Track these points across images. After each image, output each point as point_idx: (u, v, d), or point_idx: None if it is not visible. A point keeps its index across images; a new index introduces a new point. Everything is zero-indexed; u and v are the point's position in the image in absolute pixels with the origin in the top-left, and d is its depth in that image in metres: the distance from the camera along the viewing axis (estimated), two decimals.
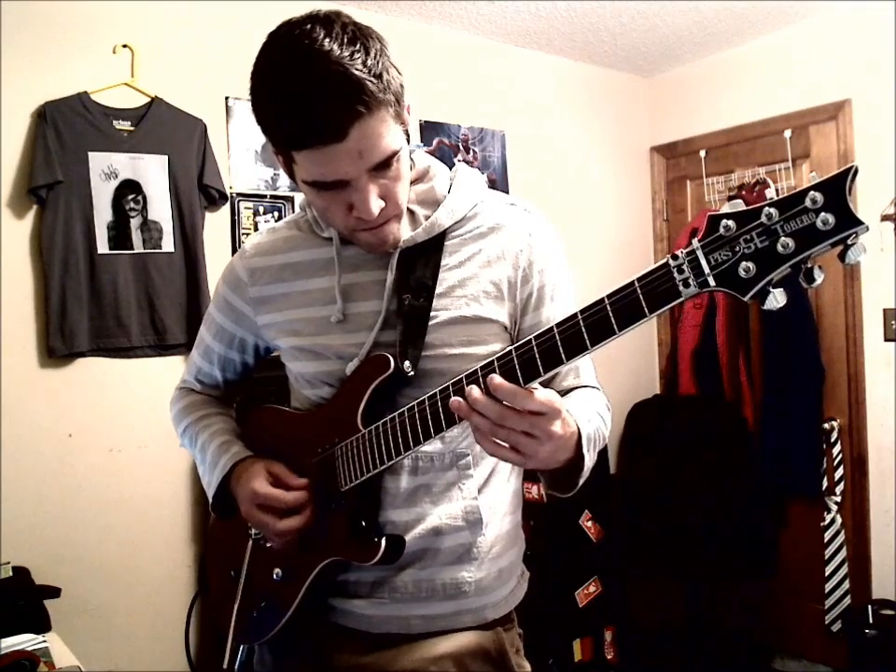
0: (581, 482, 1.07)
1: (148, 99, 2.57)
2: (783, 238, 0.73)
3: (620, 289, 0.85)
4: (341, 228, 1.13)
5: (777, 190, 3.41)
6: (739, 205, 0.76)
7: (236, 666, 1.29)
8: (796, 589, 3.40)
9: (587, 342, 0.88)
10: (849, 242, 0.71)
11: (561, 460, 1.00)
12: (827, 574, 3.23)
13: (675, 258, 0.80)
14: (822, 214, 0.71)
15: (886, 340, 3.19)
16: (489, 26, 3.29)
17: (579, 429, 1.01)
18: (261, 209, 2.84)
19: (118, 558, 2.53)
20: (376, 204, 1.04)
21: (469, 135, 3.37)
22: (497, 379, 0.92)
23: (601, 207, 3.85)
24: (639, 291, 0.83)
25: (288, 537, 1.15)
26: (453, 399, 0.96)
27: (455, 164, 1.27)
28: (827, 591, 3.23)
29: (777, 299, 0.75)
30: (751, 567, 3.24)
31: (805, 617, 3.36)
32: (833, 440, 3.29)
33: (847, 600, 3.19)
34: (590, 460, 1.06)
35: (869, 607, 3.00)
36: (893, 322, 3.15)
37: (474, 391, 0.93)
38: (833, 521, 3.25)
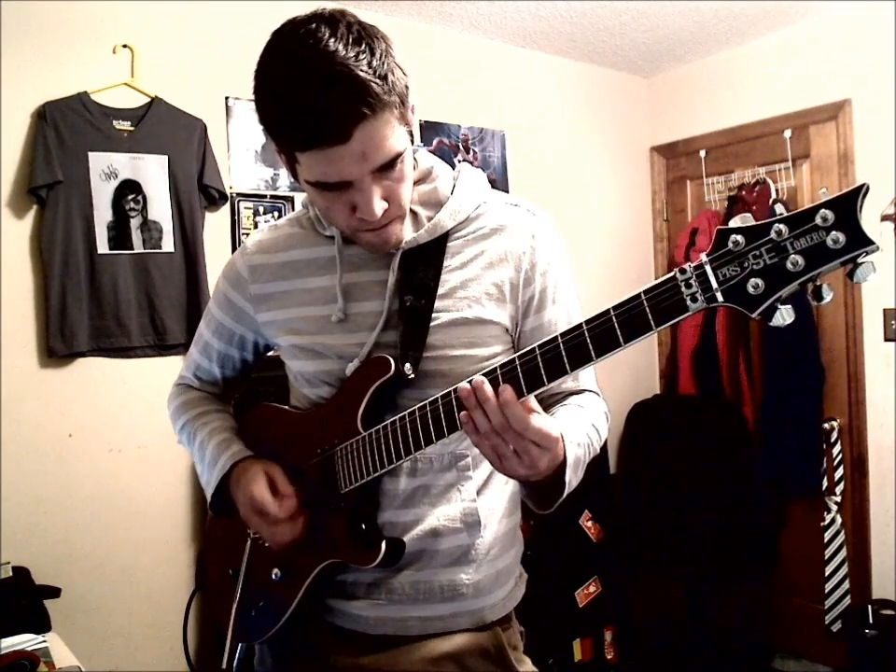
0: (558, 503, 1.06)
1: (148, 99, 2.57)
2: (793, 255, 0.72)
3: (626, 301, 0.85)
4: (343, 228, 1.12)
5: (776, 191, 3.41)
6: (749, 220, 0.75)
7: (234, 665, 1.29)
8: (796, 589, 3.41)
9: (592, 353, 0.88)
10: (859, 260, 0.70)
11: (536, 479, 0.99)
12: (827, 574, 3.23)
13: (683, 272, 0.80)
14: (833, 232, 0.70)
15: (886, 340, 3.19)
16: (489, 26, 3.28)
17: (565, 456, 1.00)
18: (261, 209, 2.83)
19: (117, 558, 2.52)
20: (379, 206, 1.03)
21: (469, 135, 3.36)
22: (508, 392, 0.92)
23: (601, 207, 3.84)
24: (646, 304, 0.83)
25: (283, 546, 1.15)
26: (463, 387, 0.95)
27: (455, 164, 1.26)
28: (827, 591, 3.23)
29: (784, 316, 0.74)
30: (751, 566, 3.25)
31: (805, 617, 3.36)
32: (833, 440, 3.29)
33: (847, 600, 3.19)
34: (575, 480, 1.06)
35: (869, 607, 3.00)
36: (893, 322, 3.15)
37: (487, 388, 0.93)
38: (832, 521, 3.25)
